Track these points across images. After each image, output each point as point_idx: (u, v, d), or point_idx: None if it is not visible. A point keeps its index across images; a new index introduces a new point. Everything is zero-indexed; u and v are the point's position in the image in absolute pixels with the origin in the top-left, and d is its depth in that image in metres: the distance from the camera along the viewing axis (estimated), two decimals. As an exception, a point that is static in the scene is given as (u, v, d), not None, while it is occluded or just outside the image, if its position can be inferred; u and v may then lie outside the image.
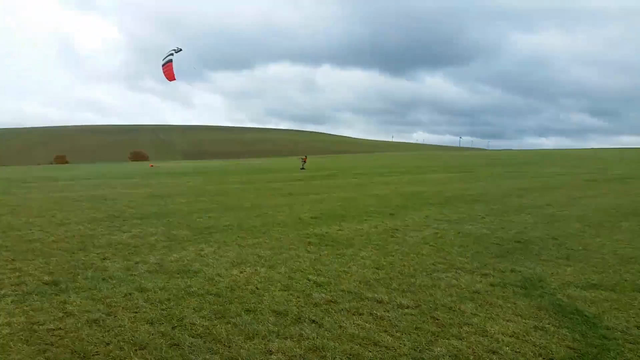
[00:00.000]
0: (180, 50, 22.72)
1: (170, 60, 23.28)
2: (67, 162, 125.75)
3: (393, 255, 8.99)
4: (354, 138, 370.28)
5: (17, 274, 7.26)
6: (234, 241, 10.14)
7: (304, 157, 52.06)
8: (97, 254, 8.74)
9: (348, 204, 17.50)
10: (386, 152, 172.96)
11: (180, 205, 16.74)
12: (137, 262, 8.10)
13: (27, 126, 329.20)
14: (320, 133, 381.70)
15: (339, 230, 11.74)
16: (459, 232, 11.63)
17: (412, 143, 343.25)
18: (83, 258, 8.34)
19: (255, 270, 7.73)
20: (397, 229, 11.96)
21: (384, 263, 8.40)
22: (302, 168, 47.51)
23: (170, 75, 23.35)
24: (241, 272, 7.56)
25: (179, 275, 7.31)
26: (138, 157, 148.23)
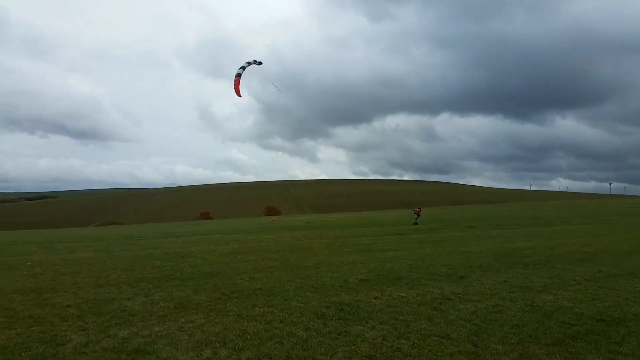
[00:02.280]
0: (261, 63, 22.19)
1: (239, 75, 22.76)
2: (210, 218, 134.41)
3: (408, 338, 7.13)
4: (485, 187, 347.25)
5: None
6: (240, 311, 9.07)
7: (417, 209, 45.59)
8: (85, 323, 8.36)
9: (422, 263, 15.42)
10: (522, 201, 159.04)
11: (243, 263, 16.22)
12: (108, 336, 7.45)
13: (178, 185, 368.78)
14: (446, 183, 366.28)
15: (375, 298, 10.00)
16: (528, 305, 9.18)
17: (553, 191, 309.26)
18: (64, 329, 7.94)
19: (215, 354, 6.51)
20: (449, 298, 9.86)
21: (384, 350, 6.60)
22: (415, 223, 41.60)
23: (237, 91, 23.04)
24: (196, 357, 6.39)
25: (125, 358, 6.39)
26: (271, 212, 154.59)
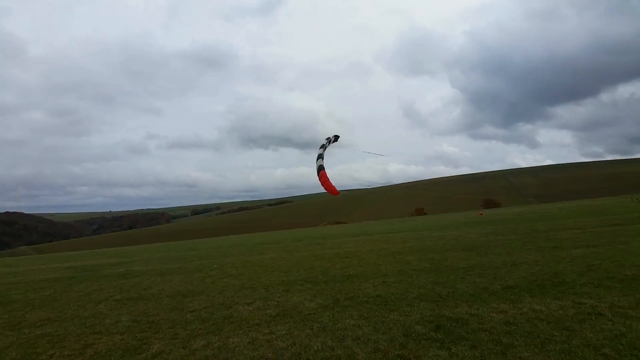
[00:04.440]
0: (337, 136, 19.63)
1: (323, 168, 19.17)
2: (424, 214, 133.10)
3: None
4: None
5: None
6: (328, 322, 8.54)
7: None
8: (185, 330, 8.81)
9: (609, 263, 12.38)
10: None
11: (394, 265, 15.50)
12: (184, 347, 7.71)
13: (393, 183, 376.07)
14: None
15: (499, 312, 8.28)
16: None
17: None
18: (159, 337, 8.46)
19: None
20: (600, 314, 7.72)
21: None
22: None
23: (330, 189, 19.50)
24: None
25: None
26: (489, 204, 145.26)
